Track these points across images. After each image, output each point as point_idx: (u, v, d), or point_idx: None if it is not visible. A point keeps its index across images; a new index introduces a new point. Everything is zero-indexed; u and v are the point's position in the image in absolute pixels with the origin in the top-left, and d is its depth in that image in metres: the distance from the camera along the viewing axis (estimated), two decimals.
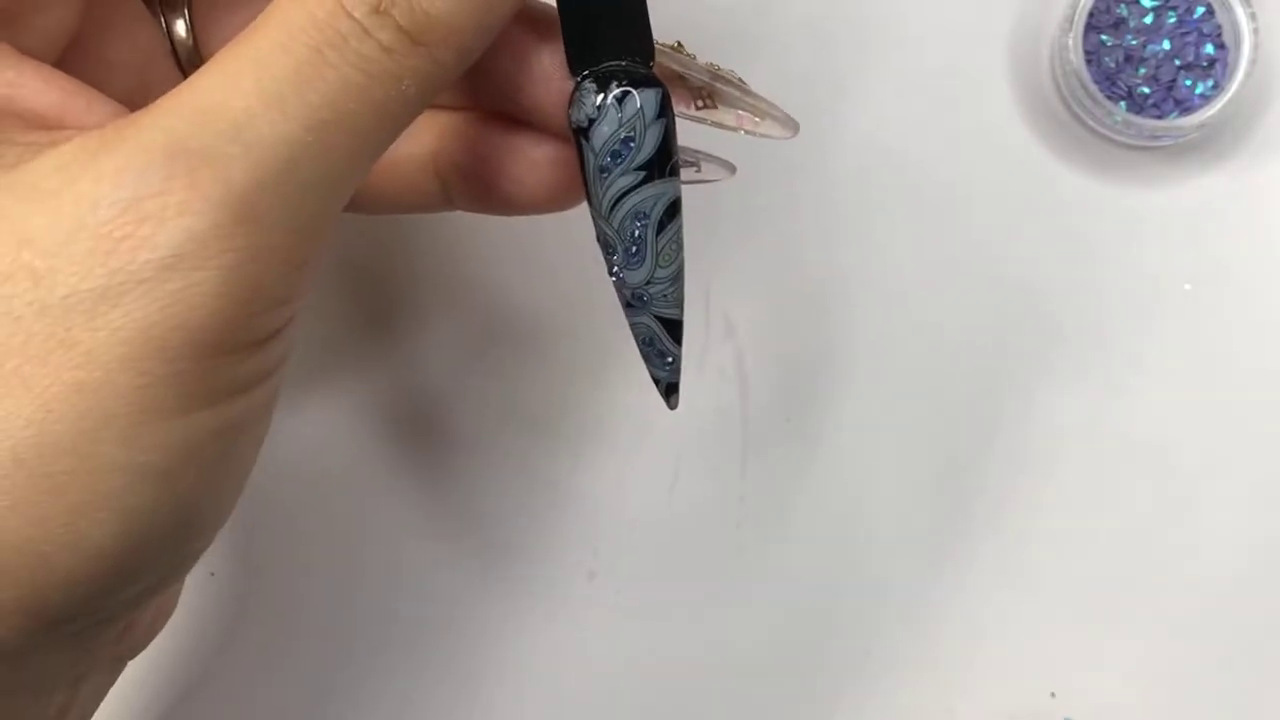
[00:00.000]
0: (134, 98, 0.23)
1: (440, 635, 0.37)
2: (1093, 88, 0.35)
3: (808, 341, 0.37)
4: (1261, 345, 0.37)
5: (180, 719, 0.37)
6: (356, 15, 0.21)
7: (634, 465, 0.37)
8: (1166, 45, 0.36)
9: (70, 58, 0.24)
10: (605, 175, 0.25)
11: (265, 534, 0.37)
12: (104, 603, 0.21)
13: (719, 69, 0.28)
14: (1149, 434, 0.37)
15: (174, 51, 0.27)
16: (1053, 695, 0.36)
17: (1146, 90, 0.36)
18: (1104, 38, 0.36)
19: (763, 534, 0.37)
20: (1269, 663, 0.36)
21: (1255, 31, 0.35)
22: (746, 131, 0.29)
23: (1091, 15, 0.36)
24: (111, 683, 0.26)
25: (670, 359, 0.27)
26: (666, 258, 0.26)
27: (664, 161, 0.25)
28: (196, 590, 0.36)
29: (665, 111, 0.25)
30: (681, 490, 0.37)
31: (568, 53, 0.25)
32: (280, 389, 0.23)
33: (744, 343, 0.37)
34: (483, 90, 0.27)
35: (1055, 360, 0.37)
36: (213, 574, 0.36)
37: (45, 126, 0.21)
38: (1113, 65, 0.36)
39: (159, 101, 0.21)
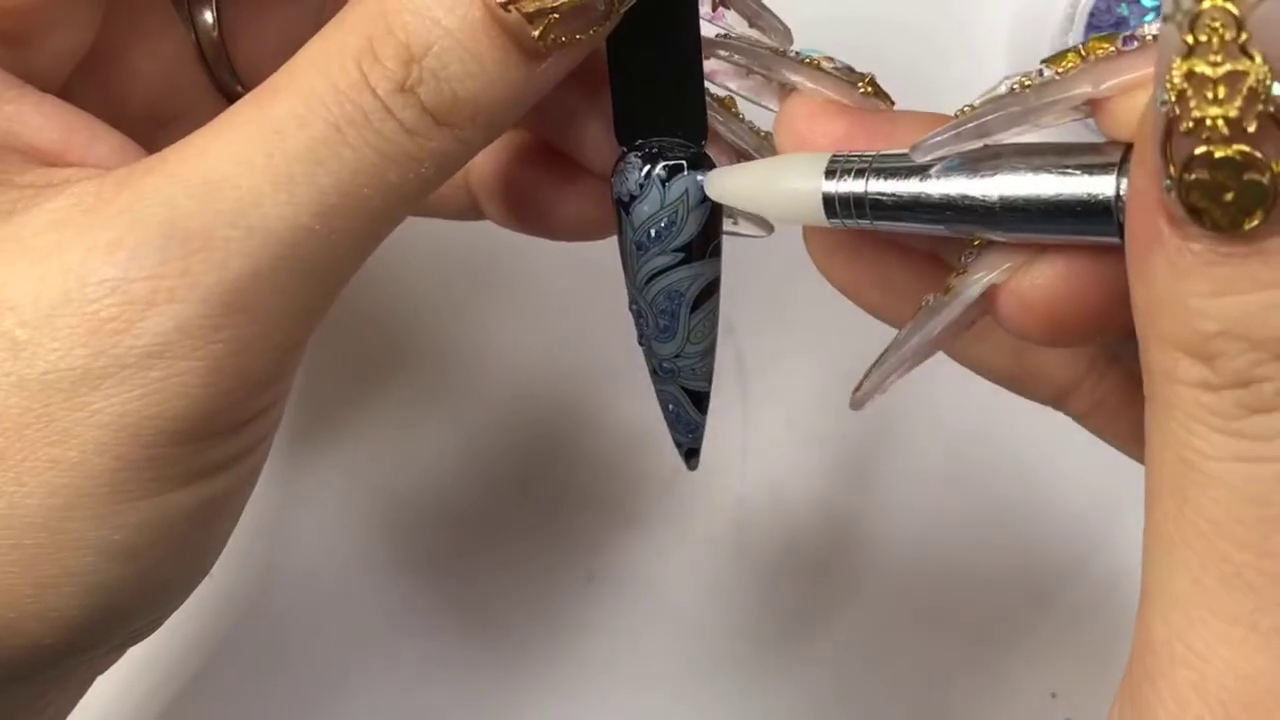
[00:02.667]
0: (162, 104, 0.23)
1: (440, 635, 0.37)
2: None
3: (808, 342, 0.37)
4: None
5: (180, 719, 0.37)
6: (380, 92, 0.19)
7: (634, 465, 0.37)
8: None
9: (93, 66, 0.23)
10: (642, 252, 0.24)
11: (265, 534, 0.37)
12: (71, 662, 0.21)
13: (762, 132, 0.27)
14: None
15: (200, 51, 0.25)
16: (1053, 695, 0.36)
17: None
18: None
19: (763, 534, 0.37)
20: None
21: None
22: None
23: (1091, 15, 0.36)
24: (82, 695, 0.26)
25: (693, 427, 0.26)
26: (699, 335, 0.25)
27: (705, 244, 0.24)
28: (196, 590, 0.36)
29: (706, 197, 0.24)
30: (681, 490, 0.37)
31: (616, 119, 0.24)
32: (263, 462, 0.22)
33: (744, 343, 0.37)
34: (527, 118, 0.25)
35: None
36: (211, 575, 0.36)
37: (47, 162, 0.21)
38: None
39: (163, 159, 0.20)
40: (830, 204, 0.22)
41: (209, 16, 0.25)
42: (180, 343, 0.19)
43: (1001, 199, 0.20)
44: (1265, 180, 0.15)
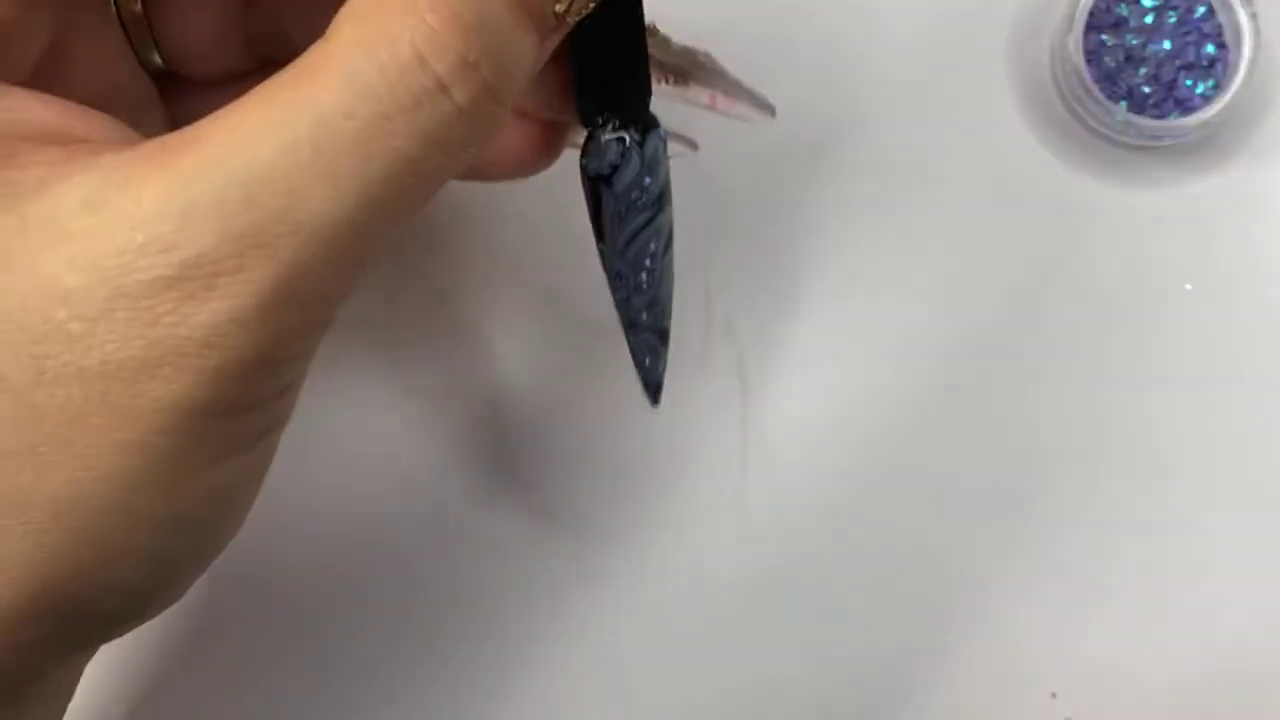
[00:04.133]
0: (106, 95, 0.23)
1: (439, 634, 0.37)
2: (1093, 88, 0.35)
3: (808, 341, 0.37)
4: (1262, 345, 0.37)
5: (180, 718, 0.37)
6: (438, 69, 0.20)
7: (634, 465, 0.37)
8: (1167, 45, 0.36)
9: (39, 66, 0.23)
10: (628, 215, 0.26)
11: (265, 533, 0.37)
12: (120, 629, 0.22)
13: (694, 51, 0.29)
14: (1149, 434, 0.37)
15: (123, 25, 0.25)
16: (1053, 695, 0.36)
17: (1147, 90, 0.36)
18: (1104, 38, 0.36)
19: (763, 534, 0.37)
20: (1269, 662, 0.37)
21: (1255, 31, 0.35)
22: (720, 112, 0.29)
23: (1091, 15, 0.36)
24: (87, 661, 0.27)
25: (663, 364, 0.29)
26: (667, 275, 0.27)
27: (667, 190, 0.26)
28: (196, 590, 0.36)
29: (667, 146, 0.26)
30: (682, 489, 0.37)
31: (580, 103, 0.25)
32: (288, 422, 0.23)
33: (744, 343, 0.37)
34: None
35: (1055, 361, 0.37)
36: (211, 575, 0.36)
37: (58, 142, 0.21)
38: (1113, 65, 0.36)
39: (199, 139, 0.20)
40: None
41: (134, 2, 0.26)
42: (233, 334, 0.19)
43: None
44: None
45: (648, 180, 0.25)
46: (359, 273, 0.21)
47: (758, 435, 0.37)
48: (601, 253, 0.26)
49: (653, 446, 0.37)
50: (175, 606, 0.23)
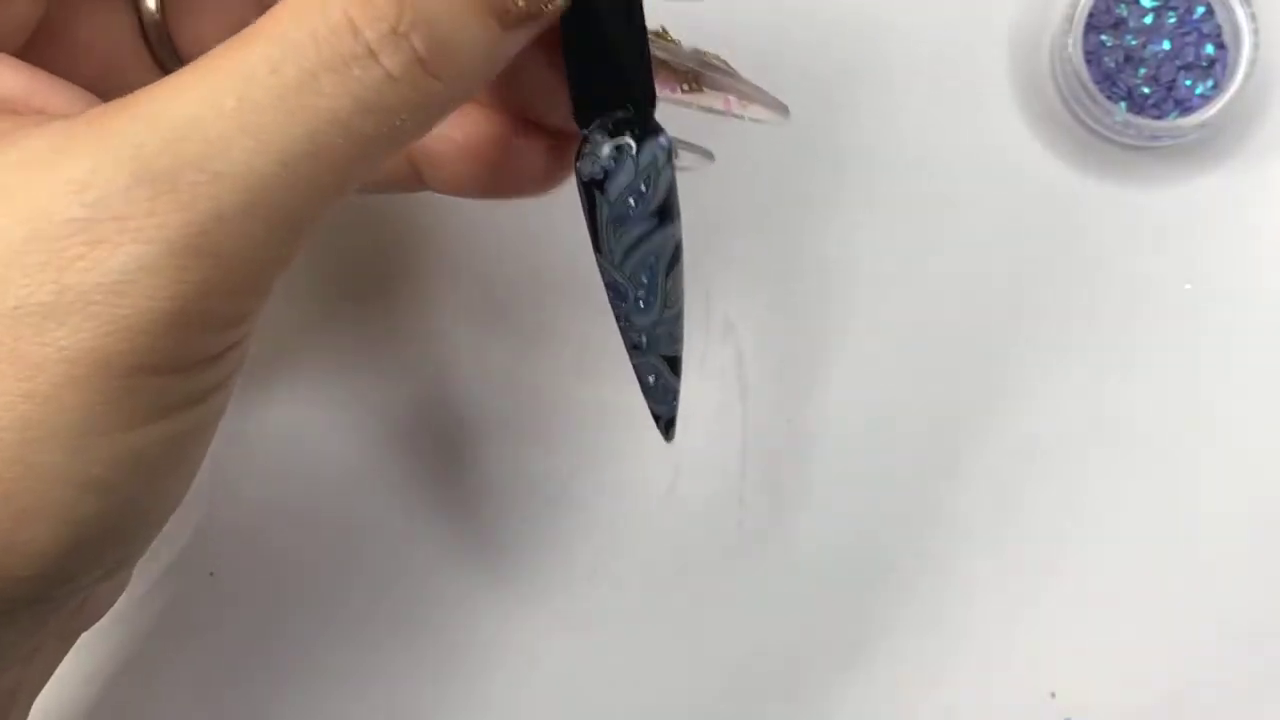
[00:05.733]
0: (104, 81, 0.23)
1: (440, 634, 0.37)
2: (1093, 88, 0.35)
3: (808, 341, 0.37)
4: (1261, 345, 0.37)
5: (178, 718, 0.37)
6: (368, 36, 0.20)
7: (634, 465, 0.37)
8: (1166, 45, 0.36)
9: (39, 40, 0.24)
10: (621, 224, 0.25)
11: (265, 534, 0.37)
12: (47, 594, 0.22)
13: (705, 54, 0.28)
14: (1148, 433, 0.37)
15: (143, 30, 0.26)
16: (1053, 695, 0.36)
17: (1146, 90, 0.36)
18: (1104, 38, 0.36)
19: (763, 534, 0.37)
20: (1269, 662, 0.36)
21: (1255, 31, 0.35)
22: (735, 115, 0.29)
23: (1091, 15, 0.36)
24: (63, 655, 0.26)
25: (672, 395, 0.27)
26: (674, 298, 0.26)
27: (672, 204, 0.25)
28: (196, 590, 0.36)
29: (672, 157, 0.25)
30: (681, 490, 0.37)
31: (574, 103, 0.24)
32: (230, 395, 0.23)
33: (744, 343, 0.37)
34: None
35: (1054, 360, 0.37)
36: (212, 574, 0.36)
37: (14, 111, 0.21)
38: (1113, 65, 0.36)
39: (134, 100, 0.20)
40: None
41: (151, 2, 0.26)
42: (145, 281, 0.19)
43: None
44: None
45: (644, 188, 0.24)
46: (290, 240, 0.20)
47: (757, 435, 0.37)
48: (600, 266, 0.26)
49: (652, 446, 0.37)
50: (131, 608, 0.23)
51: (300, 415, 0.37)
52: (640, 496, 0.37)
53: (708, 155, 0.29)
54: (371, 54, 0.20)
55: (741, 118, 0.28)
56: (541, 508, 0.37)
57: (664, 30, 0.27)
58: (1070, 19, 0.36)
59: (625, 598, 0.37)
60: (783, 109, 0.29)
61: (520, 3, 0.21)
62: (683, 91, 0.27)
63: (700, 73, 0.27)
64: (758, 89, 0.28)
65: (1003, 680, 0.37)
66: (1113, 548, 0.37)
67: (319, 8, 0.20)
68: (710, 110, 0.28)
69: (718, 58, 0.28)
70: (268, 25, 0.20)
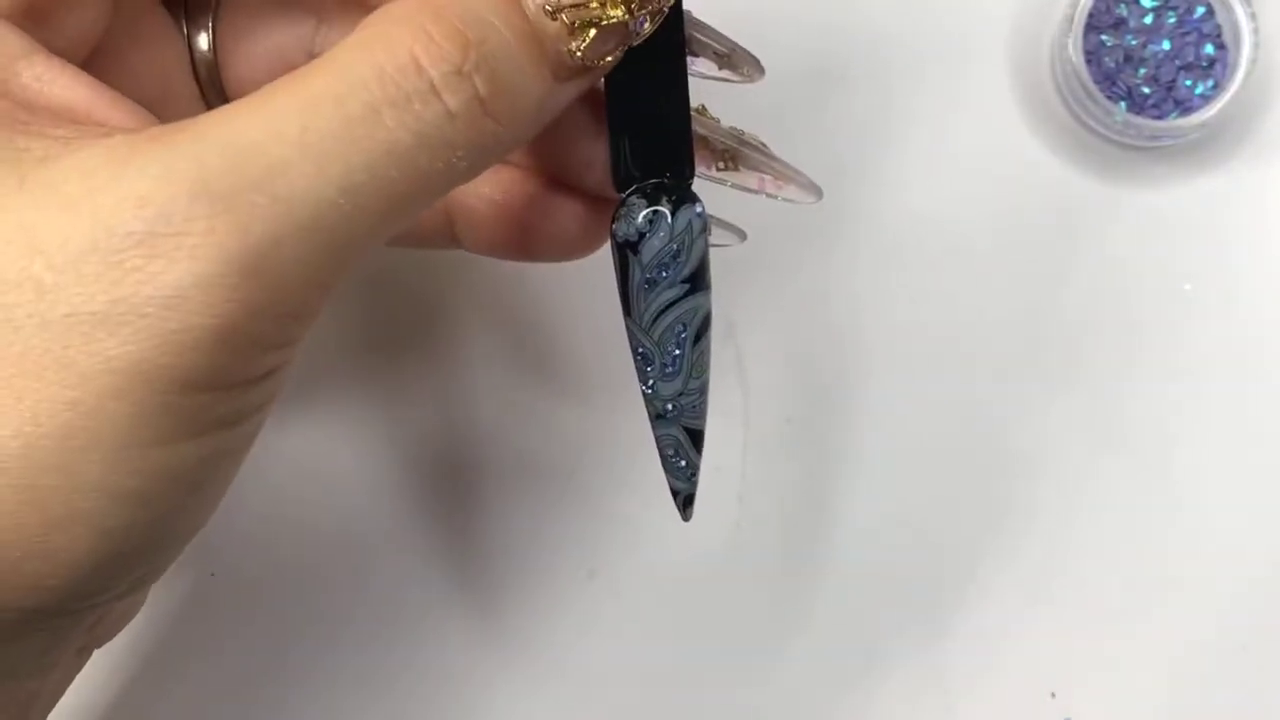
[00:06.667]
0: (154, 109, 0.23)
1: (439, 633, 0.37)
2: (1093, 88, 0.35)
3: (808, 342, 0.37)
4: (1262, 345, 0.37)
5: (179, 718, 0.37)
6: (432, 74, 0.20)
7: (634, 465, 0.37)
8: (1166, 45, 0.36)
9: (93, 63, 0.24)
10: (651, 289, 0.25)
11: (266, 535, 0.37)
12: (72, 606, 0.22)
13: (742, 133, 0.28)
14: (1149, 434, 0.37)
15: (194, 64, 0.26)
16: (1053, 695, 0.36)
17: (1146, 90, 0.36)
18: (1104, 38, 0.36)
19: (762, 534, 0.37)
20: (1269, 662, 0.36)
21: (1255, 31, 0.35)
22: (769, 195, 0.29)
23: (1091, 15, 0.36)
24: (79, 669, 0.27)
25: (692, 471, 0.28)
26: (699, 369, 0.26)
27: (705, 273, 0.26)
28: (197, 590, 0.36)
29: (706, 227, 0.26)
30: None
31: (614, 167, 0.25)
32: (263, 423, 0.23)
33: (744, 343, 0.37)
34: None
35: (1055, 361, 0.37)
36: (213, 574, 0.36)
37: (75, 121, 0.21)
38: (1113, 65, 0.36)
39: (197, 121, 0.20)
40: None
41: (204, 40, 0.26)
42: (197, 298, 0.19)
43: None
44: None
45: (678, 253, 0.25)
46: (339, 267, 0.21)
47: (758, 435, 0.37)
48: (629, 330, 0.26)
49: (652, 447, 0.37)
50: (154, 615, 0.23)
51: (305, 417, 0.37)
52: (639, 496, 0.37)
53: (740, 234, 0.30)
54: (434, 91, 0.20)
55: (775, 197, 0.29)
56: (541, 507, 0.37)
57: (704, 108, 0.28)
58: (1070, 19, 0.36)
59: (624, 597, 0.37)
60: (816, 191, 0.29)
61: (577, 55, 0.22)
62: (718, 169, 0.28)
63: (737, 150, 0.28)
64: (793, 170, 0.29)
65: (1003, 680, 0.37)
66: (1113, 548, 0.37)
67: (385, 46, 0.20)
68: (744, 189, 0.28)
69: (755, 138, 0.29)
70: (333, 60, 0.20)
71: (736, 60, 0.27)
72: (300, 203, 0.19)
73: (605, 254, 0.26)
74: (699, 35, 0.27)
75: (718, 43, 0.27)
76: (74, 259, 0.19)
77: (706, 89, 0.27)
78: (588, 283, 0.37)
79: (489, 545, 0.37)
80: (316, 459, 0.37)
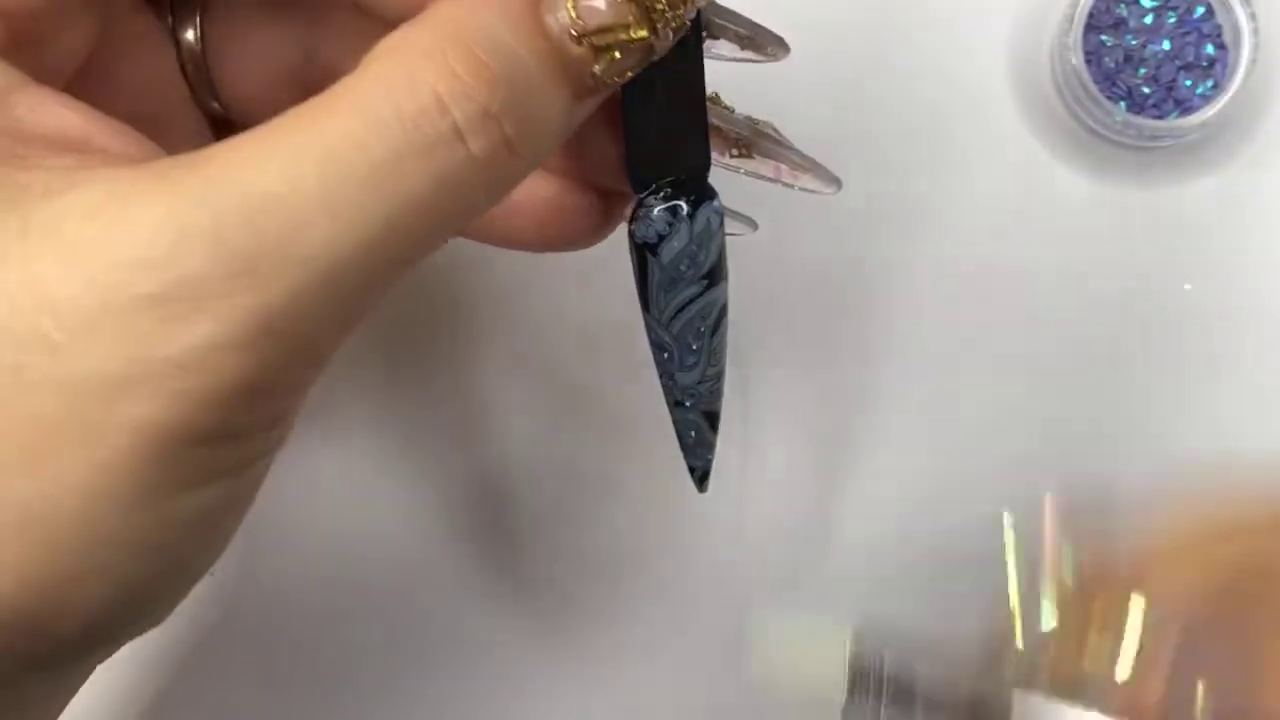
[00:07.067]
0: (140, 116, 0.23)
1: (439, 633, 0.37)
2: (1093, 88, 0.35)
3: (808, 339, 0.37)
4: (1262, 345, 0.37)
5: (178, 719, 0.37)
6: (456, 116, 0.19)
7: (633, 465, 0.37)
8: (1166, 45, 0.36)
9: (81, 77, 0.23)
10: (673, 286, 0.25)
11: (267, 536, 0.37)
12: (90, 652, 0.22)
13: (758, 122, 0.28)
14: (1149, 434, 0.37)
15: (182, 64, 0.26)
16: None
17: (1146, 90, 0.36)
18: (1104, 38, 0.36)
19: (762, 534, 0.37)
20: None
21: (1255, 31, 0.35)
22: (784, 184, 0.28)
23: (1091, 15, 0.36)
24: (81, 683, 0.27)
25: (708, 448, 0.28)
26: (717, 357, 0.26)
27: (722, 267, 0.26)
28: (197, 591, 0.36)
29: (723, 220, 0.25)
30: (681, 490, 0.37)
31: (630, 167, 0.25)
32: (273, 458, 0.23)
33: (744, 343, 0.37)
34: None
35: (1054, 361, 0.37)
36: (213, 574, 0.36)
37: (73, 150, 0.21)
38: (1113, 65, 0.36)
39: (208, 161, 0.19)
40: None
41: (191, 34, 0.26)
42: (215, 359, 0.19)
43: None
44: None
45: (697, 252, 0.25)
46: (357, 313, 0.20)
47: (758, 435, 0.37)
48: (647, 324, 0.26)
49: (653, 446, 0.37)
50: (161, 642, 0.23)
51: (309, 422, 0.37)
52: (639, 496, 0.37)
53: (751, 223, 0.29)
54: (459, 135, 0.19)
55: (791, 186, 0.29)
56: (542, 507, 0.37)
57: (717, 96, 0.27)
58: (1070, 19, 0.36)
59: (619, 596, 0.37)
60: (835, 181, 0.29)
61: (598, 73, 0.21)
62: (730, 156, 0.27)
63: (752, 140, 0.27)
64: (810, 160, 0.28)
65: None
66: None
67: (406, 83, 0.19)
68: (758, 176, 0.28)
69: (770, 126, 0.28)
70: (351, 95, 0.19)
71: (760, 41, 0.27)
72: (320, 260, 0.19)
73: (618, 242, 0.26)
74: (718, 19, 0.26)
75: (738, 25, 0.26)
76: (86, 320, 0.19)
77: (719, 78, 0.27)
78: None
79: (488, 545, 0.37)
80: (315, 462, 0.37)
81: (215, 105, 0.26)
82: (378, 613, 0.37)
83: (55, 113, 0.21)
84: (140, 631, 0.22)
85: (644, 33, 0.21)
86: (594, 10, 0.21)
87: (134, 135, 0.22)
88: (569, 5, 0.20)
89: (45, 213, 0.19)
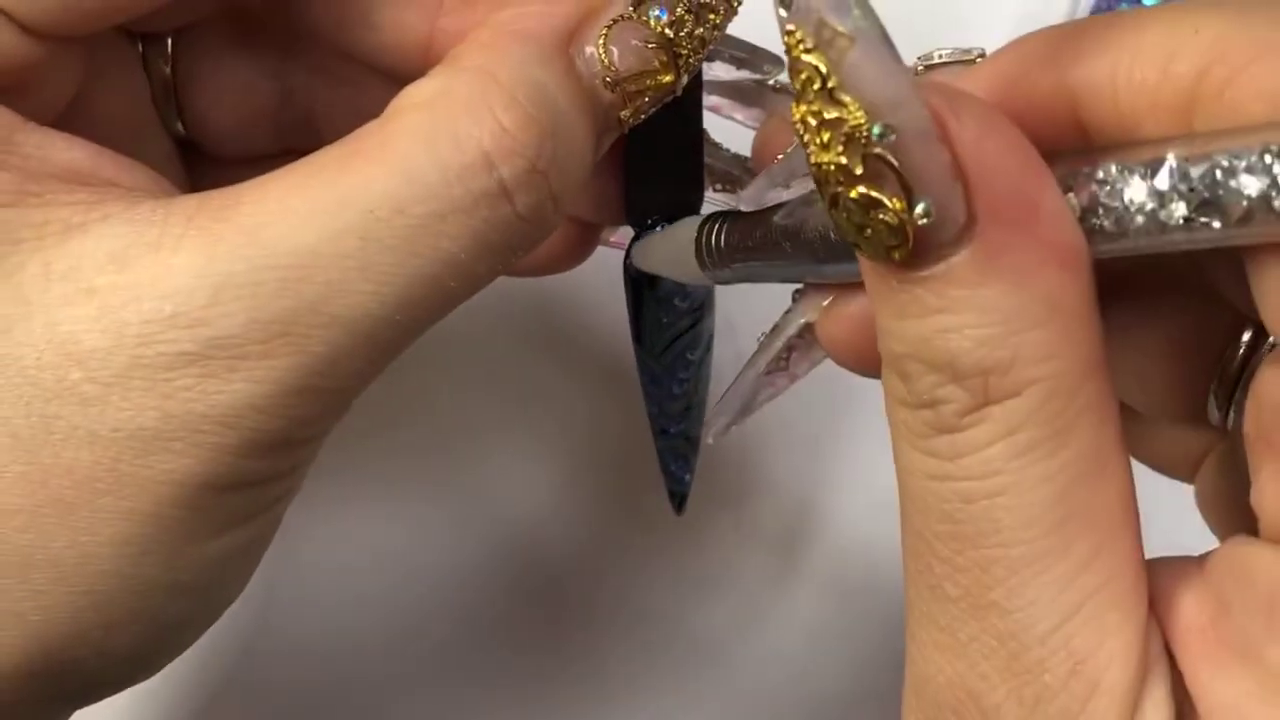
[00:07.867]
0: (110, 142, 0.23)
1: (439, 633, 0.37)
2: None
3: None
4: None
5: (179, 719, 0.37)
6: (503, 173, 0.19)
7: (633, 465, 0.37)
8: None
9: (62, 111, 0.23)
10: (664, 321, 0.26)
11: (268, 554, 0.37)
12: (116, 687, 0.22)
13: (747, 160, 0.28)
14: None
15: (153, 93, 0.25)
16: None
17: None
18: None
19: (761, 535, 0.37)
20: None
21: None
22: None
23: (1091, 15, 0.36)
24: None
25: (689, 472, 0.29)
26: (703, 384, 0.27)
27: (710, 300, 0.26)
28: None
29: None
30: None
31: (630, 205, 0.25)
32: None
33: (744, 343, 0.37)
34: None
35: None
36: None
37: (85, 184, 0.20)
38: None
39: (240, 210, 0.19)
40: (700, 254, 0.22)
41: (163, 63, 0.26)
42: (251, 416, 0.19)
43: (818, 232, 0.20)
44: (891, 219, 0.15)
45: (691, 287, 0.25)
46: (384, 366, 0.21)
47: (757, 435, 0.37)
48: (638, 355, 0.27)
49: (651, 447, 0.37)
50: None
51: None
52: (639, 496, 0.37)
53: None
54: (505, 193, 0.19)
55: None
56: (541, 507, 0.37)
57: (706, 133, 0.28)
58: (1070, 19, 0.36)
59: (624, 596, 0.37)
60: None
61: (624, 118, 0.21)
62: (714, 190, 0.28)
63: (740, 177, 0.28)
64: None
65: None
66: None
67: (451, 138, 0.19)
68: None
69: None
70: (388, 148, 0.19)
71: (756, 60, 0.27)
72: (358, 322, 0.19)
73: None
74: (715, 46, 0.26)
75: (735, 49, 0.26)
76: (118, 373, 0.19)
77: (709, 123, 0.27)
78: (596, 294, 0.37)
79: (488, 545, 0.37)
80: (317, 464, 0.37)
81: (180, 129, 0.26)
82: (381, 642, 0.37)
83: (61, 148, 0.21)
84: (160, 668, 0.23)
85: (670, 77, 0.21)
86: (627, 58, 0.21)
87: (140, 168, 0.22)
88: (599, 46, 0.20)
89: (68, 258, 0.19)
